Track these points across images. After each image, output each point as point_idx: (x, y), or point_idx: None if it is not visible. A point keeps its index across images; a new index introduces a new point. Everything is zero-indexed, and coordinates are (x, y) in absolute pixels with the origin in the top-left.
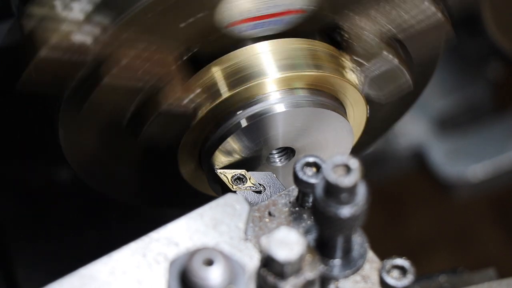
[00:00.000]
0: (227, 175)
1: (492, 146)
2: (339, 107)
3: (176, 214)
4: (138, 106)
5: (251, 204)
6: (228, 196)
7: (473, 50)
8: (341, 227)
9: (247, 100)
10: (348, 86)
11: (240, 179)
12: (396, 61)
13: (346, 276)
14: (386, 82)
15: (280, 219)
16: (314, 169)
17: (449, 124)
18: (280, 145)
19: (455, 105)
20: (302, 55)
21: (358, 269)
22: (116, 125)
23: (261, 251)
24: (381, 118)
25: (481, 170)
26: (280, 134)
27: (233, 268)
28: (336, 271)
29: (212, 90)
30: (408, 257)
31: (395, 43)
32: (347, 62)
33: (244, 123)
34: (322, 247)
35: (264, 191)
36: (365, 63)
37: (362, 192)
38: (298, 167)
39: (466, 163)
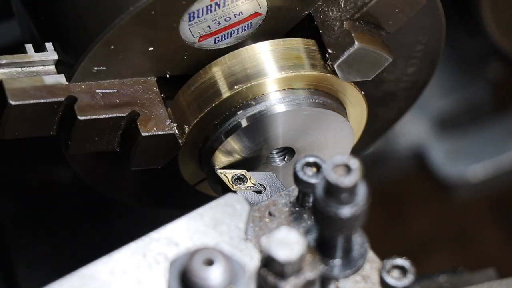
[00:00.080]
0: (227, 175)
1: (492, 146)
2: (339, 107)
3: (176, 214)
4: (123, 135)
5: (251, 204)
6: (228, 196)
7: (473, 50)
8: (341, 227)
9: (247, 100)
10: (348, 86)
11: (240, 179)
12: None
13: (346, 276)
14: (365, 64)
15: (281, 219)
16: (314, 169)
17: (449, 124)
18: (280, 145)
19: (455, 105)
20: (302, 55)
21: (358, 269)
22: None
23: (261, 251)
24: (381, 118)
25: (481, 170)
26: (280, 134)
27: (233, 268)
28: (336, 271)
29: (210, 91)
30: (408, 257)
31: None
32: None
33: (244, 123)
34: (322, 247)
35: (264, 191)
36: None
37: (362, 192)
38: (298, 167)
39: (466, 163)
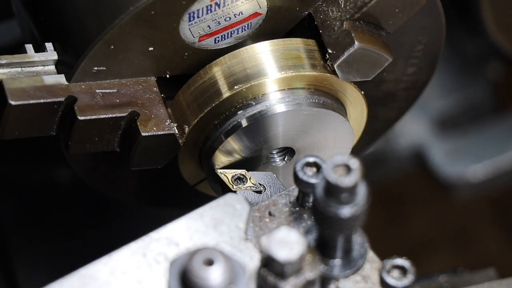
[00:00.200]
0: (227, 175)
1: (492, 146)
2: (339, 107)
3: (176, 214)
4: (123, 134)
5: (251, 204)
6: (229, 196)
7: (473, 50)
8: (341, 227)
9: (247, 100)
10: (348, 86)
11: (240, 179)
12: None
13: (346, 276)
14: (365, 64)
15: (281, 219)
16: (314, 169)
17: (449, 124)
18: (280, 145)
19: (455, 105)
20: (302, 55)
21: (358, 269)
22: (108, 150)
23: (261, 251)
24: (381, 118)
25: (481, 170)
26: (280, 134)
27: (233, 268)
28: (336, 271)
29: (210, 91)
30: (408, 257)
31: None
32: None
33: (244, 123)
34: (322, 247)
35: (264, 191)
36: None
37: (362, 192)
38: (298, 167)
39: (466, 163)
